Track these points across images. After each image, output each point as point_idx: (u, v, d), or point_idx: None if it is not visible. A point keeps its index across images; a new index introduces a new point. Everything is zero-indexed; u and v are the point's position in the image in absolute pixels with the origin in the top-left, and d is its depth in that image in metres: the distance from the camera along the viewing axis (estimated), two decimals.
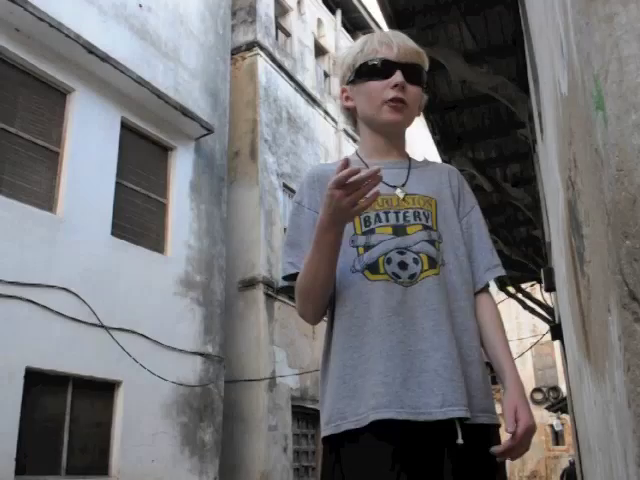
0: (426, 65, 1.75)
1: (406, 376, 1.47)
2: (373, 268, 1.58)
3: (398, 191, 1.67)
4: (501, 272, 1.69)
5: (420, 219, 1.63)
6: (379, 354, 1.50)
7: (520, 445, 1.46)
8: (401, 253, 1.58)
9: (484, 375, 1.57)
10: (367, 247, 1.60)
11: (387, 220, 1.63)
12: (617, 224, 0.94)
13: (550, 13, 1.75)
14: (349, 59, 1.75)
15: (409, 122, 1.73)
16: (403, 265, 1.57)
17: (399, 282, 1.55)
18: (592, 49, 1.00)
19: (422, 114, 6.78)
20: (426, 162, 1.82)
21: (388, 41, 1.69)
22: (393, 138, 1.76)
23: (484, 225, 1.75)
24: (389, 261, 1.57)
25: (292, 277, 1.67)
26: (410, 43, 1.72)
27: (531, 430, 1.46)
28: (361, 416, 1.47)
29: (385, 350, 1.49)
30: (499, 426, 1.58)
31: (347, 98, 1.78)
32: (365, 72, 1.70)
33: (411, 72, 1.68)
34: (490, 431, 1.55)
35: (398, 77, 1.65)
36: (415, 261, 1.58)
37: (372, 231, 1.62)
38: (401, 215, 1.63)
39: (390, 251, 1.58)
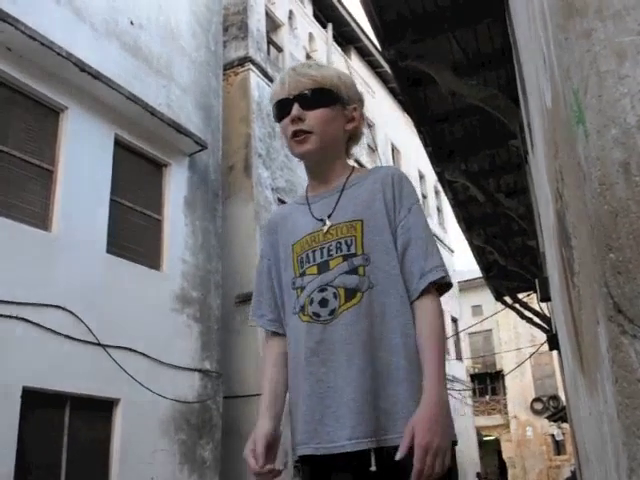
0: (332, 83, 1.75)
1: (324, 413, 1.55)
2: (303, 310, 1.65)
3: (323, 225, 1.70)
4: (436, 275, 1.60)
5: (341, 250, 1.65)
6: (301, 394, 1.61)
7: (423, 468, 1.39)
8: (322, 290, 1.63)
9: (417, 393, 1.51)
10: (301, 289, 1.67)
11: (314, 259, 1.68)
12: (601, 237, 0.95)
13: (533, 27, 1.77)
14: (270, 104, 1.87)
15: (324, 145, 1.73)
16: (324, 302, 1.62)
17: (320, 321, 1.60)
18: (571, 64, 1.01)
19: (414, 126, 6.82)
20: (365, 175, 1.79)
21: (281, 80, 1.77)
22: (321, 165, 1.79)
23: (421, 226, 1.68)
24: (311, 301, 1.63)
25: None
26: (305, 71, 1.75)
27: (428, 448, 1.39)
28: (295, 450, 1.63)
29: (306, 390, 1.60)
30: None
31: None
32: (275, 115, 1.79)
33: (307, 99, 1.71)
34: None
35: (293, 111, 1.71)
36: (335, 296, 1.61)
37: (304, 273, 1.69)
38: (325, 250, 1.67)
39: (313, 291, 1.64)
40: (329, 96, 1.74)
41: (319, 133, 1.72)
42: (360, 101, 1.83)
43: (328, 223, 1.69)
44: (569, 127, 1.09)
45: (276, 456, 1.67)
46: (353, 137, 1.83)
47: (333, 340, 1.58)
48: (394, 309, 1.60)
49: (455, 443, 1.52)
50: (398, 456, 1.40)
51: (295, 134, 1.72)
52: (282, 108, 1.75)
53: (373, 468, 1.47)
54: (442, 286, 1.65)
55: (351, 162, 1.87)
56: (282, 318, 1.78)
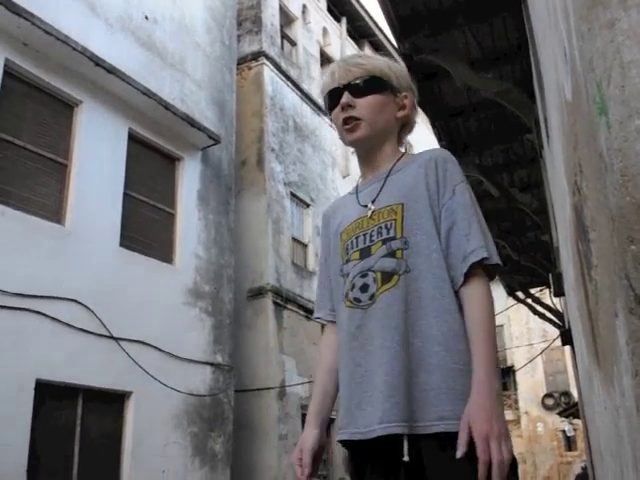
0: (382, 71, 1.76)
1: (361, 397, 1.56)
2: (347, 296, 1.67)
3: (367, 211, 1.71)
4: (477, 256, 1.55)
5: (381, 234, 1.65)
6: (343, 380, 1.65)
7: (489, 457, 1.35)
8: (363, 276, 1.64)
9: (452, 381, 1.48)
10: (347, 275, 1.69)
11: (357, 245, 1.69)
12: (622, 229, 0.94)
13: (553, 19, 1.76)
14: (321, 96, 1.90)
15: (374, 132, 1.75)
16: (364, 288, 1.63)
17: (360, 306, 1.62)
18: (594, 55, 1.00)
19: (429, 121, 6.80)
20: (411, 159, 1.77)
21: (331, 71, 1.80)
22: (371, 153, 1.79)
23: (466, 206, 1.62)
24: (353, 287, 1.65)
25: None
26: (354, 60, 1.78)
27: (490, 436, 1.36)
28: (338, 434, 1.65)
29: (346, 375, 1.63)
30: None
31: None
32: (327, 105, 1.82)
33: (357, 87, 1.73)
34: (451, 438, 1.42)
35: (342, 99, 1.73)
36: (374, 280, 1.61)
37: (349, 259, 1.70)
38: (368, 236, 1.68)
39: (355, 277, 1.65)
40: (378, 83, 1.75)
41: (369, 120, 1.72)
42: (411, 90, 1.82)
43: (372, 208, 1.70)
44: (591, 119, 1.08)
45: (319, 464, 1.70)
46: (405, 125, 1.83)
47: (371, 325, 1.58)
48: (431, 294, 1.56)
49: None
50: (459, 453, 1.37)
51: (345, 122, 1.73)
52: (333, 98, 1.77)
53: (406, 458, 1.44)
54: (490, 268, 1.60)
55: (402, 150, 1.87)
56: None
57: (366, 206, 1.71)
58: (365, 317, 1.59)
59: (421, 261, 1.59)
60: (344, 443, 1.61)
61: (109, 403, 8.67)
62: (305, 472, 1.64)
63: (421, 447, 1.45)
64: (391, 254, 1.61)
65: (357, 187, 1.82)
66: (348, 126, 1.73)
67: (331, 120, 1.84)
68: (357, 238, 1.69)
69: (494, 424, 1.38)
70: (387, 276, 1.59)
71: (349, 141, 1.77)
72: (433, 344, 1.52)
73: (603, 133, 0.99)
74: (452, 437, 1.42)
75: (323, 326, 1.85)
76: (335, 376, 1.73)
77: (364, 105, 1.72)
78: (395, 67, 1.81)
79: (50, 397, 7.77)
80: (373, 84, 1.74)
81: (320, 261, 1.93)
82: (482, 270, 1.58)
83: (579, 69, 1.19)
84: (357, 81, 1.73)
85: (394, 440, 1.47)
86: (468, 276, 1.56)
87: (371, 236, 1.67)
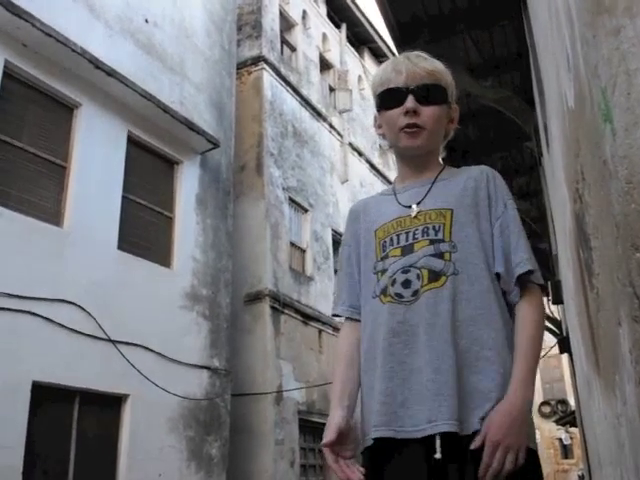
0: (445, 81, 1.76)
1: (406, 396, 1.54)
2: (384, 291, 1.65)
3: (411, 210, 1.70)
4: (523, 269, 1.59)
5: (428, 234, 1.64)
6: (381, 375, 1.58)
7: (491, 463, 1.41)
8: (405, 272, 1.62)
9: (501, 386, 1.50)
10: (383, 272, 1.67)
11: (398, 242, 1.68)
12: (627, 236, 0.94)
13: (556, 26, 1.76)
14: (373, 88, 1.84)
15: (431, 142, 1.75)
16: (407, 284, 1.61)
17: (402, 302, 1.60)
18: (599, 62, 1.00)
19: None
20: (460, 171, 1.79)
21: (399, 67, 1.74)
22: (420, 159, 1.78)
23: (516, 222, 1.67)
24: (394, 282, 1.63)
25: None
26: (423, 64, 1.74)
27: (499, 444, 1.41)
28: (369, 435, 1.59)
29: (386, 371, 1.58)
30: None
31: (379, 126, 1.84)
32: (382, 102, 1.77)
33: (424, 94, 1.71)
34: None
35: (408, 103, 1.69)
36: (418, 277, 1.60)
37: (386, 256, 1.69)
38: (411, 234, 1.67)
39: (396, 272, 1.64)
40: (442, 94, 1.75)
41: (430, 130, 1.72)
42: (457, 101, 1.83)
43: (416, 209, 1.69)
44: (595, 126, 1.08)
45: (354, 446, 1.62)
46: (446, 136, 1.83)
47: (415, 321, 1.57)
48: (478, 300, 1.58)
49: (534, 450, 1.51)
50: (472, 446, 1.42)
51: (408, 126, 1.71)
52: (393, 97, 1.73)
53: (438, 455, 1.44)
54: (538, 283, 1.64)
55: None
56: (359, 305, 1.77)
57: (409, 207, 1.71)
58: (408, 313, 1.58)
59: (469, 268, 1.61)
60: (375, 443, 1.56)
61: (106, 406, 8.64)
62: (328, 440, 1.57)
63: (465, 446, 1.45)
64: (439, 255, 1.61)
65: (394, 189, 1.82)
66: (410, 130, 1.71)
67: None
68: (398, 236, 1.68)
69: (510, 434, 1.42)
70: (434, 275, 1.59)
71: (405, 146, 1.75)
72: (484, 348, 1.54)
73: (608, 140, 0.99)
74: None
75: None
76: (358, 370, 1.70)
77: (429, 114, 1.71)
78: (451, 77, 1.81)
79: (46, 399, 7.74)
80: (439, 94, 1.74)
81: (342, 256, 1.88)
82: (534, 284, 1.62)
83: (583, 76, 1.19)
84: (425, 87, 1.71)
85: (429, 440, 1.47)
86: (523, 290, 1.60)
87: (414, 234, 1.66)
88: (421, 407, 1.50)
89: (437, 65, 1.77)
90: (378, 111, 1.81)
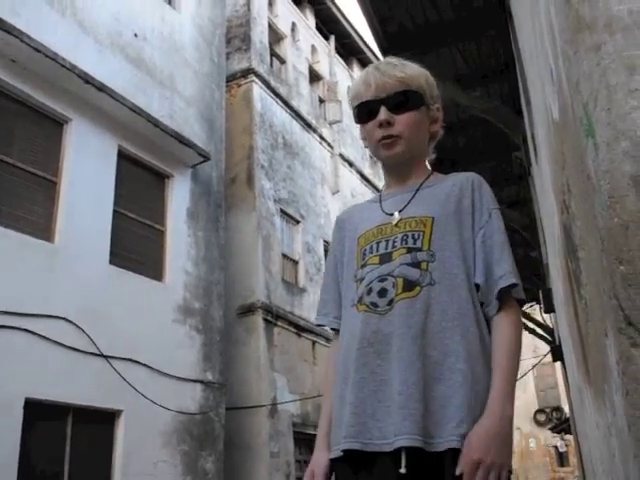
0: (419, 84, 1.71)
1: (376, 407, 1.49)
2: (360, 300, 1.61)
3: (392, 217, 1.67)
4: (506, 282, 1.54)
5: (407, 242, 1.61)
6: (352, 386, 1.54)
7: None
8: (382, 280, 1.59)
9: (473, 401, 1.45)
10: (361, 280, 1.64)
11: (377, 250, 1.64)
12: (611, 250, 0.95)
13: (539, 41, 1.78)
14: (349, 103, 1.83)
15: (411, 148, 1.71)
16: (382, 293, 1.57)
17: (377, 311, 1.56)
18: (581, 77, 1.02)
19: None
20: (443, 178, 1.75)
21: (368, 80, 1.72)
22: (403, 166, 1.75)
23: (500, 233, 1.62)
24: (370, 291, 1.60)
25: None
26: (392, 72, 1.71)
27: (480, 463, 1.36)
28: (338, 446, 1.54)
29: (357, 381, 1.53)
30: None
31: (364, 139, 1.82)
32: (358, 116, 1.76)
33: (396, 102, 1.68)
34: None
35: (381, 115, 1.68)
36: (393, 285, 1.56)
37: (365, 264, 1.65)
38: (390, 242, 1.63)
39: (372, 281, 1.60)
40: (417, 99, 1.71)
41: (407, 138, 1.69)
42: (439, 99, 1.78)
43: (397, 216, 1.66)
44: (578, 140, 1.09)
45: None
46: (433, 137, 1.79)
47: (388, 331, 1.53)
48: (454, 311, 1.53)
49: (510, 472, 1.44)
50: (458, 471, 1.37)
51: (383, 138, 1.69)
52: (367, 110, 1.72)
53: (402, 470, 1.40)
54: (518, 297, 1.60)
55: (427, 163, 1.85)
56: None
57: (392, 214, 1.68)
58: (382, 322, 1.54)
59: (446, 278, 1.56)
60: (345, 455, 1.52)
61: (99, 421, 8.59)
62: None
63: (438, 462, 1.41)
64: (416, 264, 1.57)
65: (380, 196, 1.79)
66: (387, 141, 1.69)
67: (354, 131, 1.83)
68: (378, 243, 1.65)
69: (490, 453, 1.37)
70: (409, 285, 1.55)
71: (385, 157, 1.73)
72: (458, 361, 1.48)
73: (590, 155, 1.00)
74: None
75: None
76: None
77: (403, 122, 1.68)
78: (428, 76, 1.77)
79: (39, 416, 7.69)
80: (412, 100, 1.70)
81: (328, 265, 1.86)
82: (512, 298, 1.58)
83: (566, 91, 1.20)
84: (396, 96, 1.68)
85: (398, 455, 1.42)
86: (502, 303, 1.56)
87: (394, 242, 1.62)
88: (389, 420, 1.46)
89: (408, 70, 1.72)
90: (358, 124, 1.80)
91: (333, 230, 1.89)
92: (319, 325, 1.84)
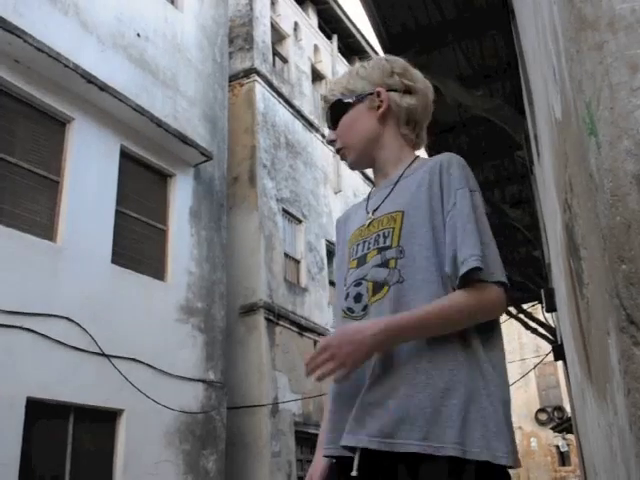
0: (342, 88, 1.72)
1: (346, 413, 1.47)
2: (342, 306, 1.62)
3: (368, 217, 1.66)
4: (468, 266, 1.40)
5: (378, 242, 1.57)
6: (332, 393, 1.55)
7: (315, 357, 1.40)
8: (357, 285, 1.57)
9: (439, 401, 1.37)
10: (346, 285, 1.63)
11: (356, 253, 1.63)
12: (613, 249, 0.95)
13: (542, 40, 1.77)
14: None
15: (361, 149, 1.71)
16: (358, 298, 1.56)
17: (352, 317, 1.55)
18: (583, 76, 1.02)
19: None
20: (422, 164, 1.64)
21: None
22: (373, 165, 1.76)
23: (463, 215, 1.48)
24: (347, 296, 1.58)
25: None
26: (327, 91, 1.77)
27: (327, 347, 1.39)
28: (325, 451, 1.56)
29: (336, 389, 1.54)
30: (461, 460, 1.33)
31: None
32: None
33: (331, 118, 1.75)
34: (428, 460, 1.35)
35: (327, 137, 1.79)
36: (367, 290, 1.55)
37: (349, 267, 1.65)
38: (366, 244, 1.61)
39: (350, 286, 1.59)
40: (342, 104, 1.72)
41: (350, 143, 1.72)
42: (389, 76, 1.70)
43: (371, 216, 1.64)
44: (580, 139, 1.09)
45: None
46: (402, 117, 1.69)
47: None
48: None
49: (511, 466, 1.36)
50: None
51: (337, 152, 1.77)
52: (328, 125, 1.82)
53: (354, 473, 1.39)
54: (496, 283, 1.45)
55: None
56: None
57: (369, 213, 1.66)
58: None
59: (417, 272, 1.49)
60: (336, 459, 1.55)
61: (101, 421, 8.60)
62: None
63: (396, 465, 1.37)
64: (384, 264, 1.52)
65: (370, 194, 1.76)
66: (339, 155, 1.76)
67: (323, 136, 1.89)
68: (357, 246, 1.63)
69: (342, 344, 1.39)
70: (378, 286, 1.51)
71: (349, 167, 1.81)
72: (422, 360, 1.41)
73: (593, 153, 1.00)
74: (429, 460, 1.34)
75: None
76: None
77: (341, 132, 1.73)
78: (360, 71, 1.73)
79: (41, 415, 7.70)
80: (338, 108, 1.72)
81: (335, 266, 1.88)
82: (478, 282, 1.43)
83: (569, 90, 1.20)
84: (327, 113, 1.75)
85: (373, 456, 1.39)
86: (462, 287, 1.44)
87: (368, 244, 1.60)
88: (360, 423, 1.43)
89: (340, 78, 1.75)
90: None
91: (335, 228, 1.91)
92: None
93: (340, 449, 1.45)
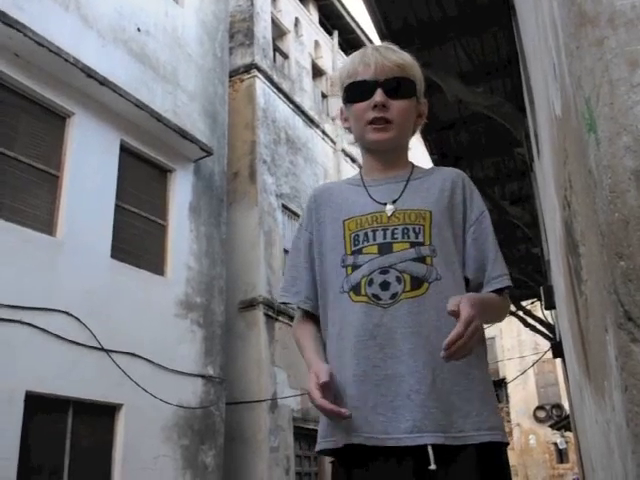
0: (414, 74, 1.70)
1: (378, 401, 1.47)
2: (356, 289, 1.57)
3: (388, 208, 1.63)
4: (501, 284, 1.60)
5: (409, 236, 1.58)
6: (352, 378, 1.51)
7: (462, 334, 1.36)
8: (384, 272, 1.55)
9: (486, 395, 1.52)
10: (354, 267, 1.59)
11: (374, 239, 1.60)
12: (611, 245, 0.95)
13: (542, 36, 1.77)
14: (340, 80, 1.76)
15: (400, 137, 1.70)
16: (385, 285, 1.54)
17: (379, 304, 1.53)
18: (583, 72, 1.01)
19: (419, 134, 6.82)
20: (431, 170, 1.75)
21: (367, 60, 1.67)
22: (389, 154, 1.73)
23: (491, 234, 1.66)
24: (370, 282, 1.56)
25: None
26: (392, 57, 1.68)
27: (471, 321, 1.37)
28: (337, 437, 1.52)
29: (358, 375, 1.51)
30: (502, 444, 1.50)
31: (345, 119, 1.78)
32: (349, 94, 1.71)
33: (393, 87, 1.65)
34: (485, 449, 1.45)
35: (377, 97, 1.63)
36: (398, 280, 1.54)
37: (360, 251, 1.60)
38: (389, 233, 1.60)
39: (373, 272, 1.56)
40: (411, 88, 1.69)
41: (399, 124, 1.66)
42: (421, 82, 1.75)
43: (393, 207, 1.62)
44: (580, 135, 1.09)
45: (332, 399, 1.50)
46: (414, 132, 1.79)
47: (392, 326, 1.50)
48: None
49: (507, 444, 1.53)
50: (449, 307, 1.40)
51: (374, 121, 1.65)
52: (361, 90, 1.67)
53: (433, 467, 1.39)
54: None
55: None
56: (317, 298, 1.69)
57: (385, 204, 1.63)
58: (385, 317, 1.51)
59: (448, 273, 1.57)
60: (345, 448, 1.49)
61: (99, 415, 8.61)
62: (324, 381, 1.47)
63: (454, 458, 1.42)
64: (421, 259, 1.56)
65: (363, 181, 1.73)
66: (378, 126, 1.65)
67: (336, 118, 1.78)
68: (374, 232, 1.60)
69: (477, 315, 1.40)
70: (417, 282, 1.53)
71: (374, 140, 1.68)
72: (469, 358, 1.45)
73: (592, 149, 1.00)
74: (490, 448, 1.46)
75: None
76: (323, 356, 1.62)
77: (398, 108, 1.65)
78: (420, 71, 1.75)
79: (40, 409, 7.71)
80: (408, 88, 1.68)
81: (298, 243, 1.79)
82: (508, 297, 1.69)
83: (568, 86, 1.20)
84: (393, 81, 1.65)
85: (416, 448, 1.42)
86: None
87: (393, 233, 1.59)
88: (398, 416, 1.44)
89: (407, 58, 1.70)
90: (344, 104, 1.75)
91: (309, 205, 1.81)
92: (283, 303, 1.80)
93: (365, 438, 1.46)
